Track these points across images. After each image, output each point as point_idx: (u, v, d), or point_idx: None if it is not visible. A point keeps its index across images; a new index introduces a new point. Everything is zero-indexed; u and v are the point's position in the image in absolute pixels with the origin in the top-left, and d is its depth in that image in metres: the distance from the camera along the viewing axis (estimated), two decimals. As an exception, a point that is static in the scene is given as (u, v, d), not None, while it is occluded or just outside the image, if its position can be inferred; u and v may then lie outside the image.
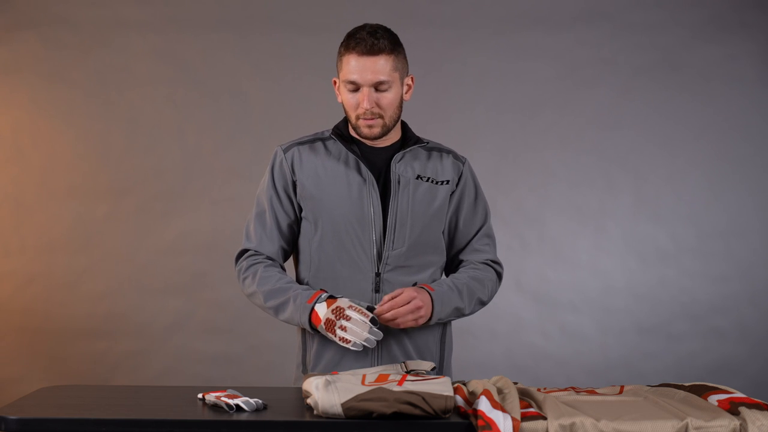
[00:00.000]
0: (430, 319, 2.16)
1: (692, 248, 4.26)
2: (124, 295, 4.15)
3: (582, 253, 4.26)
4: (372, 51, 2.14)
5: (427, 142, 2.32)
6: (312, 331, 2.14)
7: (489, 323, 4.20)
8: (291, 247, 2.30)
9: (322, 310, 2.09)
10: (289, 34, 4.19)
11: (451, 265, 2.36)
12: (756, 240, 4.27)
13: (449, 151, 2.35)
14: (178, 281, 4.16)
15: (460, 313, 2.24)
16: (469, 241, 2.33)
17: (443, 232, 2.31)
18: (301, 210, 2.26)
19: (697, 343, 4.23)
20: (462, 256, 2.34)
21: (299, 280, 2.29)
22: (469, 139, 4.21)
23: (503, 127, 4.25)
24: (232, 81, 4.20)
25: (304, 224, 2.26)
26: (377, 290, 2.20)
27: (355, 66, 2.14)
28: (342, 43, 2.19)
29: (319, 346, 2.23)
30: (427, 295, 2.15)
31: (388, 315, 2.09)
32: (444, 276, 2.35)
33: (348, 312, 2.05)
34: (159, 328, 4.16)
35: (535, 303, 4.24)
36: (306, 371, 2.26)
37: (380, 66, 2.14)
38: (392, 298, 2.10)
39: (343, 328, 2.04)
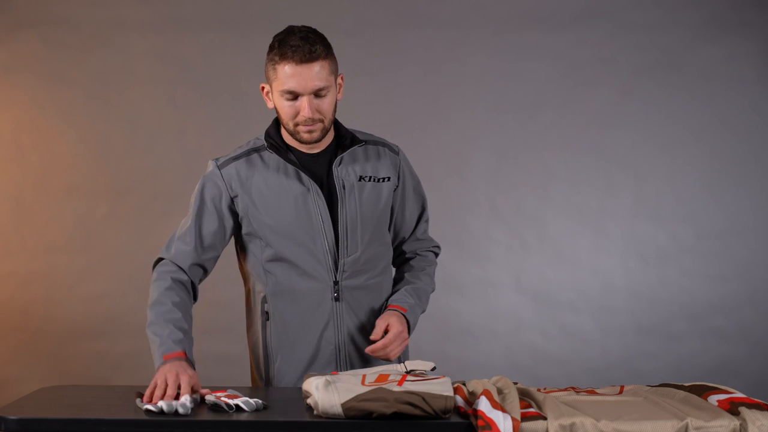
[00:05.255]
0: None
1: (692, 248, 4.26)
2: (124, 295, 4.15)
3: (582, 253, 4.26)
4: (310, 58, 2.05)
5: (362, 139, 2.25)
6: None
7: (489, 323, 4.20)
8: (211, 265, 2.24)
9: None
10: (289, 34, 4.19)
11: (394, 254, 2.37)
12: (755, 240, 4.27)
13: (383, 144, 2.29)
14: (178, 281, 4.15)
15: (418, 318, 2.30)
16: (413, 230, 2.36)
17: (389, 227, 2.32)
18: (238, 227, 2.21)
19: (697, 343, 4.23)
20: (405, 247, 2.37)
21: (255, 296, 2.25)
22: (469, 139, 4.21)
23: (503, 127, 4.25)
24: (232, 81, 4.20)
25: (252, 242, 2.21)
26: (338, 299, 2.19)
27: (293, 75, 2.06)
28: (272, 50, 2.10)
29: (283, 358, 2.23)
30: (402, 317, 2.20)
31: (381, 354, 2.14)
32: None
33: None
34: (159, 328, 4.15)
35: (535, 303, 4.24)
36: (270, 384, 2.26)
37: (318, 72, 2.07)
38: (383, 335, 2.15)
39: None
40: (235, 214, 2.21)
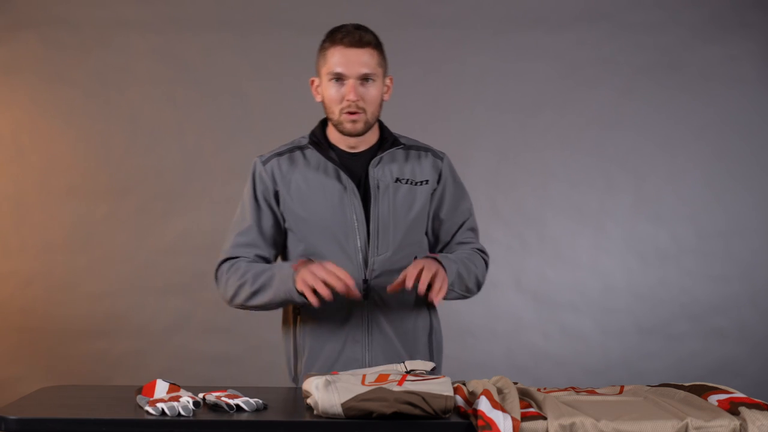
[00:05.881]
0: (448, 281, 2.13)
1: (692, 248, 4.26)
2: (124, 295, 4.15)
3: (582, 253, 4.26)
4: (359, 43, 2.14)
5: (404, 144, 2.28)
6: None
7: (489, 323, 4.19)
8: (274, 259, 2.29)
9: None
10: (289, 34, 4.19)
11: None
12: (756, 240, 4.27)
13: (427, 149, 2.32)
14: (178, 281, 4.16)
15: (464, 284, 2.22)
16: (453, 235, 2.33)
17: (426, 232, 2.31)
18: (284, 220, 2.25)
19: (698, 344, 4.23)
20: (447, 250, 2.34)
21: None
22: (469, 139, 4.21)
23: (503, 127, 4.25)
24: (232, 81, 4.20)
25: (289, 235, 2.25)
26: (366, 297, 2.20)
27: (342, 58, 2.13)
28: (325, 39, 2.19)
29: (310, 354, 2.23)
30: (434, 260, 2.13)
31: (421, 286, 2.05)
32: None
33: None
34: (159, 328, 4.16)
35: (535, 303, 4.24)
36: (297, 380, 2.27)
37: (366, 59, 2.14)
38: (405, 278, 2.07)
39: None
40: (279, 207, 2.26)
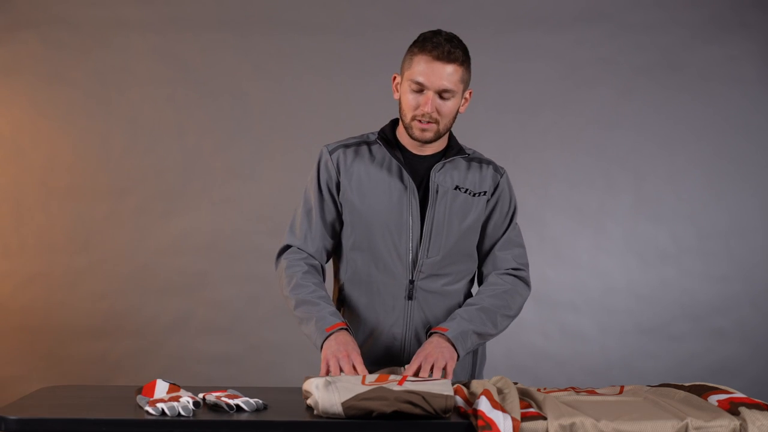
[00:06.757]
0: (459, 355, 2.11)
1: (693, 248, 4.26)
2: (124, 295, 4.15)
3: (582, 253, 4.26)
4: (446, 58, 2.12)
5: (469, 154, 2.31)
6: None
7: (489, 323, 4.19)
8: (333, 248, 2.31)
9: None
10: (289, 34, 4.19)
11: (478, 273, 2.37)
12: (757, 240, 4.27)
13: (489, 162, 2.34)
14: (178, 281, 4.16)
15: (486, 337, 2.21)
16: (492, 246, 2.33)
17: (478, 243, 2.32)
18: (342, 211, 2.27)
19: (698, 344, 4.23)
20: (485, 268, 2.34)
21: (337, 282, 2.30)
22: (469, 139, 4.18)
23: (503, 127, 4.25)
24: (232, 81, 4.20)
25: (344, 226, 2.27)
26: (410, 297, 2.22)
27: (426, 69, 2.13)
28: (415, 43, 2.17)
29: None
30: (442, 338, 2.11)
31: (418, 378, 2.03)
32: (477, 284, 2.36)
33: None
34: (159, 328, 4.16)
35: (535, 303, 4.23)
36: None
37: (450, 74, 2.13)
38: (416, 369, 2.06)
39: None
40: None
